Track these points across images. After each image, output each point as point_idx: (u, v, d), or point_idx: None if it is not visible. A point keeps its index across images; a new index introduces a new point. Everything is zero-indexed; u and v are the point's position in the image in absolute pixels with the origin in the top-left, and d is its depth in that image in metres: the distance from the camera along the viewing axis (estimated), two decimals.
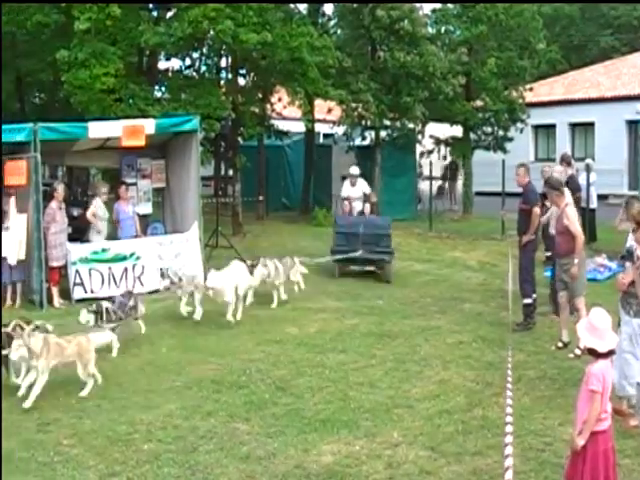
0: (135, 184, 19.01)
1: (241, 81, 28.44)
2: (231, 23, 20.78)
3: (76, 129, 16.63)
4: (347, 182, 21.35)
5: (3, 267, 15.82)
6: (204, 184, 18.57)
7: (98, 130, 16.77)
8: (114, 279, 16.39)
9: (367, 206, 20.77)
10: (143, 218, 18.65)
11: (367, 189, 21.35)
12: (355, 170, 21.40)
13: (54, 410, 9.70)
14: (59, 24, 23.42)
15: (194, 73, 28.55)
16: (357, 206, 20.84)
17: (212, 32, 22.02)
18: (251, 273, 15.15)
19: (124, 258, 16.60)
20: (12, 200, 15.74)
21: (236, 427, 9.13)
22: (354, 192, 21.00)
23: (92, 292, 16.08)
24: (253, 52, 23.71)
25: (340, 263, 18.84)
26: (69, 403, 9.96)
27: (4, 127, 15.88)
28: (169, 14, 24.16)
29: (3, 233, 15.74)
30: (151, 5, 24.87)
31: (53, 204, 16.23)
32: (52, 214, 16.10)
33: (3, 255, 15.72)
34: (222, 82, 28.78)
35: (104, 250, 16.47)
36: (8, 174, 15.68)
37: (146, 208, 19.35)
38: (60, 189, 16.60)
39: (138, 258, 16.73)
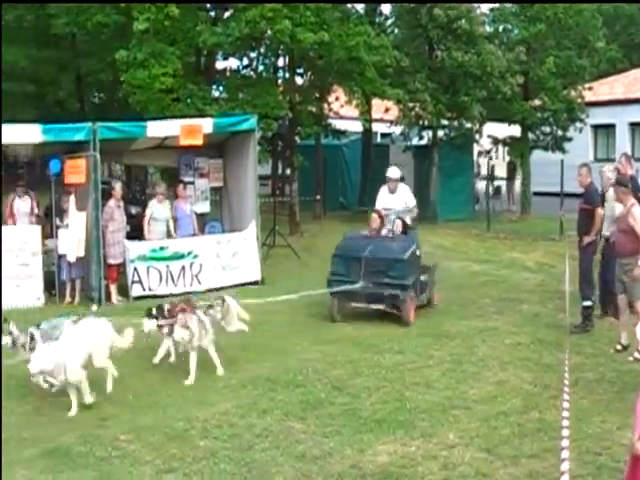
0: (193, 183, 19.12)
1: (298, 80, 28.49)
2: (289, 23, 20.83)
3: (135, 128, 16.81)
4: (384, 189, 16.12)
5: (62, 264, 16.07)
6: (261, 183, 18.60)
7: (156, 129, 16.92)
8: (172, 277, 16.54)
9: (398, 222, 15.30)
10: (201, 217, 18.75)
11: (410, 200, 16.05)
12: (394, 172, 16.14)
13: (112, 406, 9.80)
14: (118, 25, 23.71)
15: (252, 72, 28.68)
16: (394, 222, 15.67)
17: (270, 32, 22.09)
18: (171, 331, 11.06)
19: (182, 256, 16.72)
20: (72, 198, 15.97)
21: (292, 426, 9.13)
22: (392, 202, 15.84)
23: (150, 290, 16.28)
24: (310, 51, 23.74)
25: (337, 298, 14.46)
26: (126, 399, 10.04)
27: (65, 126, 16.17)
28: (227, 14, 24.30)
29: (62, 230, 16.00)
30: (209, 5, 25.03)
31: (111, 202, 16.42)
32: (110, 212, 16.29)
33: (62, 252, 15.97)
34: (279, 81, 28.86)
35: (162, 248, 16.61)
36: (68, 172, 15.93)
37: (204, 207, 19.43)
38: (118, 187, 16.79)
39: (196, 256, 16.84)
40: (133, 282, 16.29)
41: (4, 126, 15.94)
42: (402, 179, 16.48)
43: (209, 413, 9.52)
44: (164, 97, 21.45)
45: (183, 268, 16.70)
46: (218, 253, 17.14)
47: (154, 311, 11.02)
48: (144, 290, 16.30)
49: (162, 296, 15.96)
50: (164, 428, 9.03)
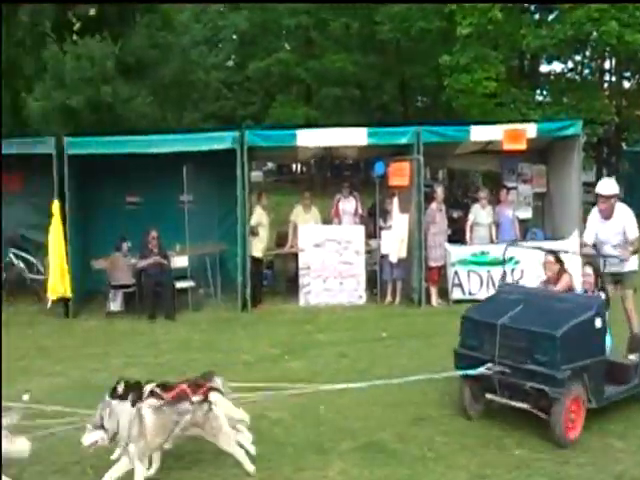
0: (515, 188, 18.97)
1: (626, 84, 27.71)
2: (616, 24, 20.28)
3: (458, 132, 16.88)
4: (595, 213, 11.33)
5: (384, 264, 16.50)
6: (585, 190, 18.01)
7: (480, 133, 16.89)
8: (493, 282, 16.41)
9: (587, 271, 9.97)
10: (522, 223, 18.53)
11: (632, 229, 10.92)
12: (608, 187, 11.08)
13: (428, 406, 9.91)
14: (441, 30, 24.11)
15: (576, 76, 28.18)
16: (612, 262, 10.52)
17: (595, 33, 21.58)
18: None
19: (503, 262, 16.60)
20: (395, 200, 16.35)
21: (610, 443, 8.79)
22: (607, 231, 11.10)
23: (470, 294, 16.33)
24: (639, 53, 22.97)
25: (470, 384, 9.39)
26: (443, 400, 10.11)
27: (389, 130, 16.67)
28: (551, 16, 24.00)
29: (385, 231, 16.43)
30: (533, 7, 24.83)
31: (433, 205, 16.64)
32: (432, 215, 16.51)
33: (385, 252, 16.40)
34: (605, 85, 28.16)
35: (483, 253, 16.59)
36: (392, 175, 16.32)
37: (526, 213, 19.15)
38: (439, 191, 16.97)
39: (517, 262, 16.63)
40: (454, 285, 16.43)
41: (332, 129, 16.68)
42: (619, 197, 11.19)
43: (526, 422, 9.39)
44: (487, 101, 21.54)
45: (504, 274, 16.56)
46: (540, 260, 16.84)
47: (120, 388, 7.59)
48: (464, 294, 16.39)
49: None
50: (480, 432, 9.03)
